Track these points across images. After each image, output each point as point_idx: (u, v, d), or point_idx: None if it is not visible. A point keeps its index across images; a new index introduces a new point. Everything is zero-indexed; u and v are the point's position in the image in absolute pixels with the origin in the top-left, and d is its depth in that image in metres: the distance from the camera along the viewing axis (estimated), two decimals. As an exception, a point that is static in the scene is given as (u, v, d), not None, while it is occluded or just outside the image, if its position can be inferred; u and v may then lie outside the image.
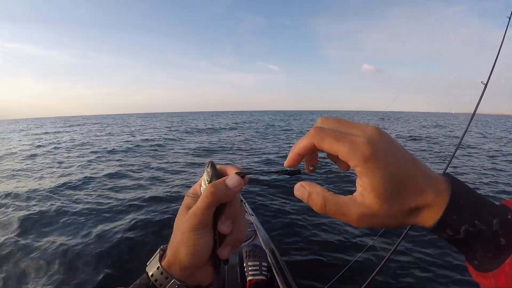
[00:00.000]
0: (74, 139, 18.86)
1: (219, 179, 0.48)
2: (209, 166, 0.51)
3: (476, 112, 2.36)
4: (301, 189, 0.40)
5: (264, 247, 2.46)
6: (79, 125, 40.49)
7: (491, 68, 2.33)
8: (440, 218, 0.34)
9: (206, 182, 0.50)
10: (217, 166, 0.53)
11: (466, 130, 2.44)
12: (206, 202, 0.45)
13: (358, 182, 0.37)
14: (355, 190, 0.38)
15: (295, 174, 0.46)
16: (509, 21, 2.29)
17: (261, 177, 6.55)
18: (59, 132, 26.85)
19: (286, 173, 0.46)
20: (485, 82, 2.33)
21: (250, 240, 2.68)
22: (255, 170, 0.53)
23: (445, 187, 0.35)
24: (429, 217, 0.35)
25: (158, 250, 0.52)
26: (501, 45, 2.36)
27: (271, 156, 10.74)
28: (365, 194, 0.35)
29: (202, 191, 0.50)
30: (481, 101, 2.34)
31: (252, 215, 3.42)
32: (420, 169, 0.35)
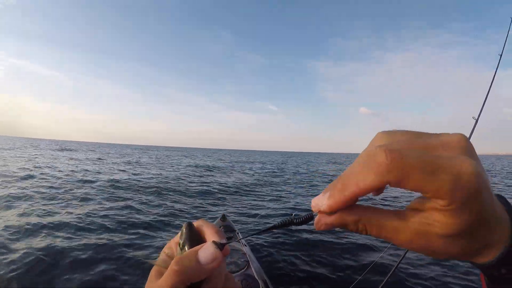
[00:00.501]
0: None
1: (190, 251, 0.38)
2: (184, 227, 0.43)
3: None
4: (327, 226, 0.31)
5: (257, 278, 2.46)
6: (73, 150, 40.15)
7: (482, 103, 2.33)
8: (500, 255, 0.28)
9: (178, 248, 0.42)
10: (196, 223, 0.44)
11: None
12: (170, 283, 0.35)
13: (428, 212, 0.27)
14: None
15: (308, 221, 0.34)
16: (500, 58, 2.34)
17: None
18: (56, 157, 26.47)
19: (299, 223, 0.34)
20: (476, 118, 2.33)
21: (243, 270, 2.67)
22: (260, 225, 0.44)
23: (506, 217, 0.29)
24: (487, 254, 0.29)
25: None
26: (492, 81, 2.37)
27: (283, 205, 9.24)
28: (434, 228, 0.26)
29: (176, 254, 0.41)
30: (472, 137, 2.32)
31: (245, 245, 3.38)
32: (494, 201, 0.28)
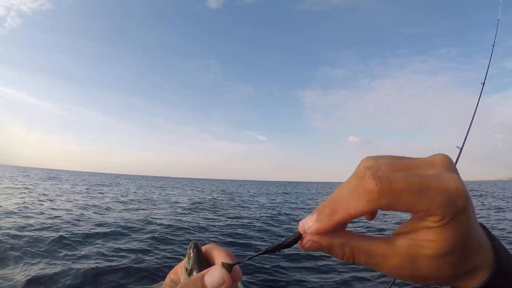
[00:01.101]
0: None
1: (196, 275, 0.35)
2: (191, 247, 0.40)
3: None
4: (314, 245, 0.30)
5: None
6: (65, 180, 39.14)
7: (466, 133, 2.37)
8: (485, 281, 0.30)
9: (185, 273, 0.40)
10: (205, 247, 0.42)
11: None
12: None
13: (417, 233, 0.28)
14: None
15: (297, 241, 0.33)
16: (482, 87, 2.42)
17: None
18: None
19: (288, 244, 0.33)
20: (460, 147, 2.36)
21: None
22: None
23: (488, 243, 0.31)
24: (474, 280, 0.30)
25: None
26: (476, 109, 2.43)
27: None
28: (424, 250, 0.27)
29: (182, 280, 0.40)
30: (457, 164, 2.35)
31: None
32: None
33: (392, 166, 0.29)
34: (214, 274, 0.34)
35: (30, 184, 20.77)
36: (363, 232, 0.32)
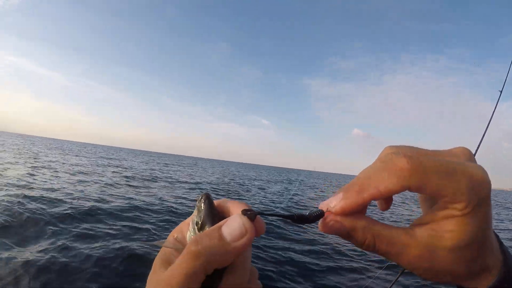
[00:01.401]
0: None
1: (212, 227, 0.30)
2: (203, 199, 0.34)
3: None
4: (336, 225, 0.29)
5: None
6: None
7: (480, 139, 2.33)
8: (494, 284, 0.30)
9: (195, 227, 0.33)
10: (217, 201, 0.36)
11: None
12: (187, 269, 0.27)
13: (439, 223, 0.28)
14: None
15: (319, 218, 0.31)
16: (500, 95, 2.37)
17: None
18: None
19: (309, 220, 0.31)
20: (473, 153, 2.32)
21: None
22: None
23: (497, 244, 0.31)
24: (485, 279, 0.30)
25: None
26: (492, 116, 2.38)
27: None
28: (444, 241, 0.27)
29: (188, 238, 0.34)
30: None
31: None
32: None
33: (418, 152, 0.30)
34: (233, 224, 0.29)
35: (38, 155, 20.94)
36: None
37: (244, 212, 0.30)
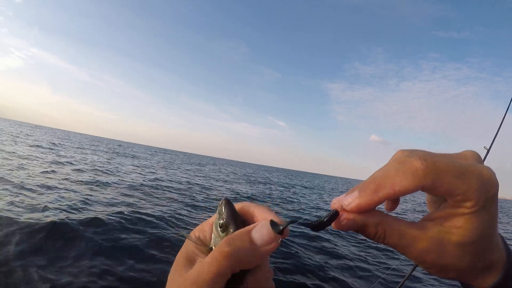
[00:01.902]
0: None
1: (241, 230, 0.32)
2: (223, 204, 0.36)
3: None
4: (349, 223, 0.31)
5: None
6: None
7: (496, 132, 2.35)
8: (498, 281, 0.31)
9: (218, 229, 0.35)
10: (237, 205, 0.37)
11: None
12: (218, 268, 0.30)
13: (448, 219, 0.30)
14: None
15: (335, 218, 0.32)
16: (510, 102, 2.36)
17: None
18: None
19: (327, 224, 0.32)
20: (488, 147, 2.35)
21: None
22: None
23: (501, 243, 0.32)
24: (488, 278, 0.31)
25: None
26: (501, 123, 2.40)
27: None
28: (452, 236, 0.29)
29: (214, 241, 0.36)
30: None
31: None
32: None
33: (430, 154, 0.31)
34: (263, 230, 0.31)
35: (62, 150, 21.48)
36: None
37: (272, 222, 0.31)
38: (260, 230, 0.31)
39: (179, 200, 8.34)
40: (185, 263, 0.34)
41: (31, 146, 17.17)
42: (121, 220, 5.08)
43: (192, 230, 0.39)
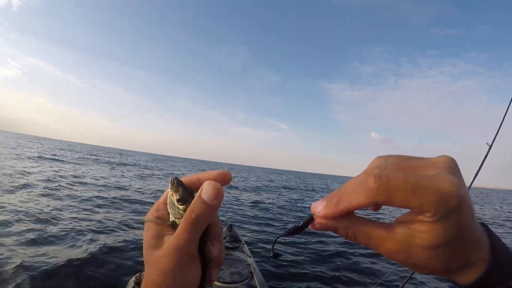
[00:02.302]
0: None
1: (195, 198, 0.38)
2: (175, 183, 0.41)
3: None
4: (322, 226, 0.35)
5: None
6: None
7: (497, 130, 2.28)
8: (480, 277, 0.31)
9: (176, 204, 0.41)
10: (183, 179, 0.43)
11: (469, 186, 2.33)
12: (191, 232, 0.37)
13: (414, 224, 0.30)
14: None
15: (310, 222, 0.36)
16: None
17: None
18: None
19: (303, 226, 0.37)
20: (490, 144, 2.29)
21: (246, 280, 2.71)
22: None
23: (486, 241, 0.32)
24: (468, 275, 0.32)
25: (133, 279, 0.45)
26: (504, 117, 2.33)
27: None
28: (417, 239, 0.30)
29: (174, 215, 0.41)
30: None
31: (250, 256, 3.44)
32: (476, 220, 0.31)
33: (398, 166, 0.31)
34: (208, 189, 0.38)
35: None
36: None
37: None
38: (206, 190, 0.37)
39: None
40: (155, 242, 0.39)
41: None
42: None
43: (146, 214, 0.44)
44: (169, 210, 0.42)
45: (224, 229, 4.03)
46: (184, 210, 0.40)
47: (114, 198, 8.59)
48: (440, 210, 0.27)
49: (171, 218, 0.42)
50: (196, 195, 0.38)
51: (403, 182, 0.28)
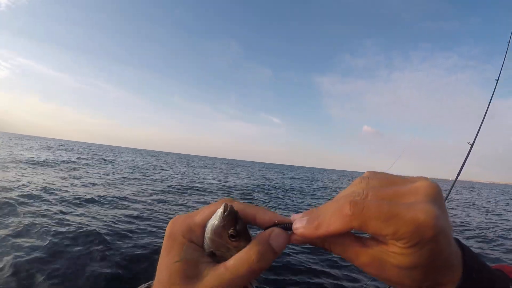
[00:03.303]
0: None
1: (262, 242, 0.34)
2: (231, 213, 0.35)
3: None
4: (298, 241, 0.35)
5: None
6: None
7: (478, 128, 2.39)
8: None
9: (228, 237, 0.35)
10: (238, 207, 0.37)
11: (449, 192, 2.42)
12: (246, 278, 0.34)
13: (387, 244, 0.31)
14: None
15: (288, 231, 0.36)
16: (496, 83, 2.40)
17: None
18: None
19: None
20: (471, 142, 2.39)
21: None
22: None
23: (459, 260, 0.33)
24: (446, 282, 0.32)
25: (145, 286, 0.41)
26: (489, 105, 2.43)
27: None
28: (390, 258, 0.30)
29: (214, 245, 0.35)
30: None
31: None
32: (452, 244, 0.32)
33: (378, 191, 0.32)
34: (279, 239, 0.35)
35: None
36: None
37: (282, 226, 0.36)
38: (277, 240, 0.35)
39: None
40: (189, 269, 0.34)
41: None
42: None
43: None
44: (210, 236, 0.35)
45: None
46: (236, 248, 0.35)
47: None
48: (413, 240, 0.28)
49: (210, 247, 0.36)
50: (262, 238, 0.35)
51: (377, 211, 0.28)
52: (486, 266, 0.34)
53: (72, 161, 19.19)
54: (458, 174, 2.50)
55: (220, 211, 0.35)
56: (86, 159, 23.58)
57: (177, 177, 17.68)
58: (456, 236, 0.34)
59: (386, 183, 0.34)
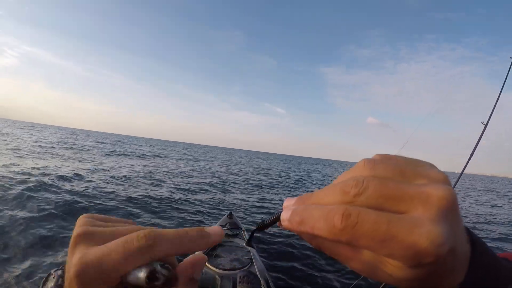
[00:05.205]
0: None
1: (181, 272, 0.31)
2: (154, 278, 0.29)
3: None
4: (285, 228, 0.32)
5: (259, 276, 2.51)
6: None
7: (492, 108, 2.39)
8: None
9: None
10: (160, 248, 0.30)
11: (459, 178, 2.42)
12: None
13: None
14: None
15: (277, 221, 0.34)
16: (505, 78, 2.35)
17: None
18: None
19: (271, 224, 0.35)
20: (485, 123, 2.39)
21: (246, 267, 2.68)
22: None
23: (466, 262, 0.30)
24: (446, 285, 0.30)
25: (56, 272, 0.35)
26: (504, 81, 2.41)
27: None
28: (385, 267, 0.27)
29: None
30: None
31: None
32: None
33: (381, 187, 0.25)
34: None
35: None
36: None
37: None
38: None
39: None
40: None
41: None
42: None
43: None
44: None
45: (225, 216, 4.05)
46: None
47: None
48: (411, 263, 0.24)
49: None
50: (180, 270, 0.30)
51: (373, 230, 0.24)
52: (493, 260, 0.31)
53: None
54: (471, 154, 2.50)
55: (142, 276, 0.27)
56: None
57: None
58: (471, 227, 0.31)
59: (394, 174, 0.27)
